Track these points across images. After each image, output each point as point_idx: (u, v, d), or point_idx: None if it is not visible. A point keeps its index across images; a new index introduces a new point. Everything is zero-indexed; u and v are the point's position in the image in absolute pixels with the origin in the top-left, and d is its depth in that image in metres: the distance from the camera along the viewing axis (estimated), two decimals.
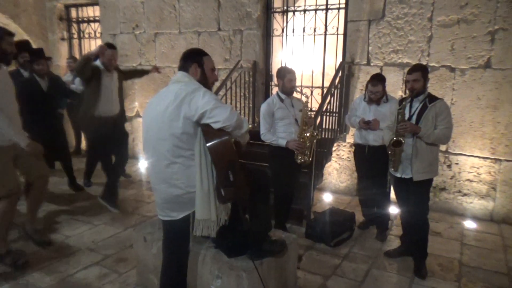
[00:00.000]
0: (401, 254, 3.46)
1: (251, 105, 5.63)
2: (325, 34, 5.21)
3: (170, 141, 2.09)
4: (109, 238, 3.79)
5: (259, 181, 2.48)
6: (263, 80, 5.65)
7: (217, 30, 5.73)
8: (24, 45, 5.40)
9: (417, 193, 3.11)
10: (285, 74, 3.60)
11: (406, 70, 4.17)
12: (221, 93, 5.16)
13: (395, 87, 4.67)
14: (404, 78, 4.30)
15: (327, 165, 5.11)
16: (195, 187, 2.09)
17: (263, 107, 3.65)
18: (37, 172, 3.37)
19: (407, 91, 3.10)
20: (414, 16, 4.50)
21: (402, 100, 3.15)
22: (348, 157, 5.15)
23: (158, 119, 2.12)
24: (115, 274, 3.13)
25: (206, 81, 2.25)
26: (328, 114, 4.51)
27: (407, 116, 3.07)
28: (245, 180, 2.08)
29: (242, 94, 5.53)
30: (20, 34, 6.95)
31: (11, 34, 3.06)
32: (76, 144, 6.96)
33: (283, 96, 3.64)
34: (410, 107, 3.10)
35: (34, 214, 3.59)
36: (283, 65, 5.48)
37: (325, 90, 4.94)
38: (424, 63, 4.43)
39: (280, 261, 2.62)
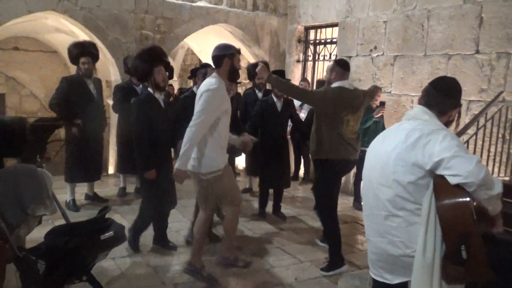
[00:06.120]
0: None
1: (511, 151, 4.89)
2: None
3: (393, 188, 2.01)
4: (313, 279, 3.96)
5: None
6: None
7: (474, 53, 5.28)
8: None
9: None
10: None
11: None
12: (470, 131, 4.69)
13: None
14: None
15: None
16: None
17: None
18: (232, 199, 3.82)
19: None
20: None
21: None
22: None
23: (383, 161, 2.08)
24: None
25: (448, 124, 2.11)
26: None
27: None
28: (484, 260, 1.76)
29: (500, 135, 4.87)
30: (261, 56, 8.21)
31: (239, 52, 3.65)
32: (295, 169, 7.63)
33: None
34: None
35: (230, 241, 4.05)
36: None
37: None
38: None
39: None
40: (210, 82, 3.49)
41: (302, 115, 6.57)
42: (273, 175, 5.44)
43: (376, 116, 5.64)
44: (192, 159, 3.54)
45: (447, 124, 2.15)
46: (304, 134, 5.50)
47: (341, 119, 3.90)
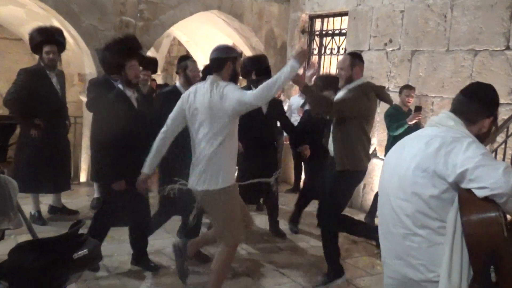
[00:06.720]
0: None
1: None
2: None
3: (413, 203, 2.02)
4: None
5: None
6: None
7: (503, 49, 5.32)
8: (258, 61, 6.27)
9: None
10: None
11: None
12: (499, 138, 4.73)
13: None
14: None
15: None
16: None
17: None
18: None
19: None
20: None
21: None
22: None
23: (401, 171, 2.09)
24: None
25: (482, 138, 2.12)
26: None
27: None
28: None
29: None
30: (259, 48, 8.23)
31: (241, 56, 3.76)
32: (296, 180, 7.63)
33: None
34: None
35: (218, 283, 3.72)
36: None
37: None
38: None
39: None
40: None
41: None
42: (255, 188, 5.06)
43: (409, 123, 5.56)
44: (203, 175, 3.46)
45: (480, 137, 2.12)
46: (296, 140, 5.58)
47: (370, 122, 4.15)
